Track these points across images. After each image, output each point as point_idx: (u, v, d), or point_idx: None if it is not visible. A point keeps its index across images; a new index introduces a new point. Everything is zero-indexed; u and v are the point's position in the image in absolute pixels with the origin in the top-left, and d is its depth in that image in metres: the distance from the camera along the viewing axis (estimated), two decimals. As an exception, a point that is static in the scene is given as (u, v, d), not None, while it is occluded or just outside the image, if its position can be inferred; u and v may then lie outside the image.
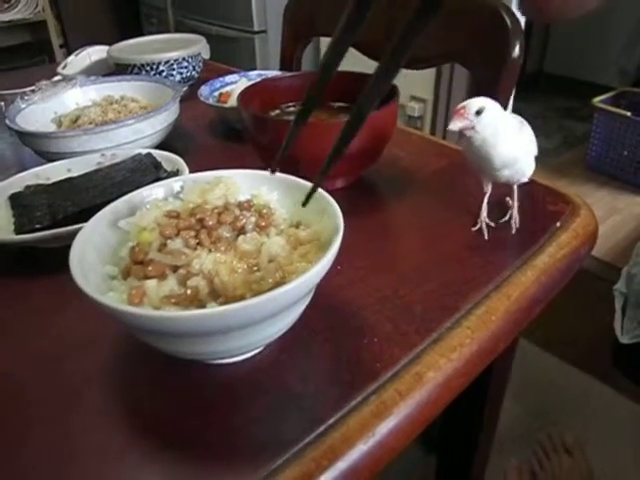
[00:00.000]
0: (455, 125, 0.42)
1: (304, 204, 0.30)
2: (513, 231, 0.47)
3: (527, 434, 1.11)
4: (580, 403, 1.22)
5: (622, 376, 1.28)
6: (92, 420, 0.32)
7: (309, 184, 0.37)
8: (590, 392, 1.25)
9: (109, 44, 0.92)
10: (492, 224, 0.47)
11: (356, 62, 0.89)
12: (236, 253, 0.32)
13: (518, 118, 0.47)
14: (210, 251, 0.31)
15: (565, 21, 0.16)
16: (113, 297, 0.29)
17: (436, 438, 0.87)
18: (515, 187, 0.48)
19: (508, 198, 0.49)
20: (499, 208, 0.49)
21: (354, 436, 0.30)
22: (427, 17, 0.17)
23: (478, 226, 0.47)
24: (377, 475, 0.31)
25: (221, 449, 0.30)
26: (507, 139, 0.43)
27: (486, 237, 0.46)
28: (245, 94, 0.56)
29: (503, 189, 0.49)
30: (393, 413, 0.31)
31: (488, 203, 0.48)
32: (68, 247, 0.31)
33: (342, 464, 0.28)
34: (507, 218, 0.48)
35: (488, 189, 0.49)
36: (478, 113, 0.42)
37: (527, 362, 1.30)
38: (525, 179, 0.48)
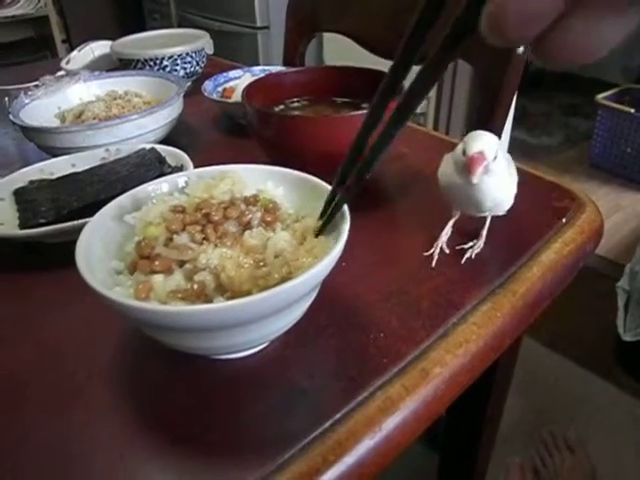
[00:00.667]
0: (479, 178, 0.38)
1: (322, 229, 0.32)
2: (463, 260, 0.43)
3: (530, 431, 1.11)
4: (582, 400, 1.22)
5: (624, 373, 1.28)
6: (97, 416, 0.32)
7: (315, 179, 0.37)
8: (592, 389, 1.25)
9: (112, 39, 0.92)
10: (447, 250, 0.44)
11: (359, 58, 0.89)
12: (242, 248, 0.32)
13: (506, 155, 0.43)
14: (216, 246, 0.31)
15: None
16: (120, 292, 0.29)
17: (439, 435, 0.87)
18: (489, 218, 0.45)
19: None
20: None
21: (360, 431, 0.29)
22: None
23: (432, 251, 0.44)
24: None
25: (227, 444, 0.30)
26: (502, 182, 0.41)
27: (433, 264, 0.43)
28: (249, 89, 0.56)
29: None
30: (399, 408, 0.31)
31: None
32: (73, 242, 0.31)
33: (349, 459, 0.28)
34: (468, 245, 0.45)
35: (456, 214, 0.46)
36: (495, 158, 0.39)
37: (530, 359, 1.30)
38: (500, 213, 0.44)
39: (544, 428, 1.08)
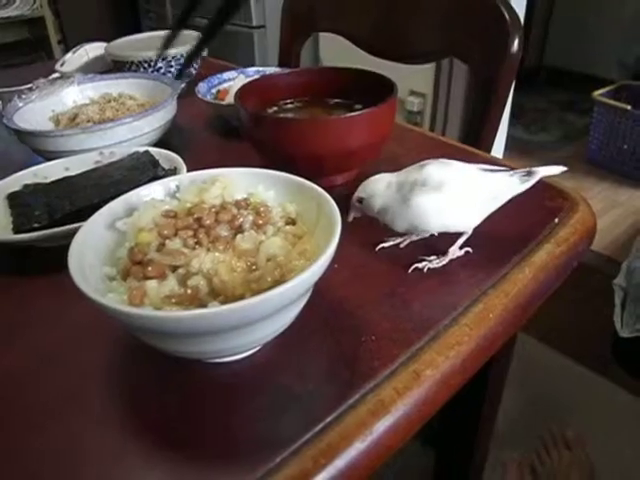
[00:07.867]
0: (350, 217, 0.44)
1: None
2: (410, 270, 0.42)
3: (527, 428, 1.11)
4: (580, 397, 1.23)
5: (622, 370, 1.28)
6: (90, 420, 0.32)
7: (306, 182, 0.37)
8: (590, 386, 1.25)
9: (108, 39, 0.92)
10: (386, 245, 0.45)
11: (355, 57, 0.89)
12: (235, 252, 0.32)
13: (404, 187, 0.42)
14: (209, 250, 0.31)
15: None
16: (114, 298, 0.29)
17: (435, 432, 0.88)
18: (463, 236, 0.43)
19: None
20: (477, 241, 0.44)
21: (352, 434, 0.30)
22: None
23: (380, 246, 0.45)
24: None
25: (219, 448, 0.30)
26: (396, 215, 0.42)
27: (376, 250, 0.45)
28: (242, 91, 0.56)
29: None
30: (391, 411, 0.31)
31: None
32: (66, 246, 0.31)
33: (340, 462, 0.29)
34: (430, 258, 0.43)
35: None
36: (360, 201, 0.43)
37: (527, 356, 1.30)
38: (460, 230, 0.43)
39: (541, 425, 1.08)
